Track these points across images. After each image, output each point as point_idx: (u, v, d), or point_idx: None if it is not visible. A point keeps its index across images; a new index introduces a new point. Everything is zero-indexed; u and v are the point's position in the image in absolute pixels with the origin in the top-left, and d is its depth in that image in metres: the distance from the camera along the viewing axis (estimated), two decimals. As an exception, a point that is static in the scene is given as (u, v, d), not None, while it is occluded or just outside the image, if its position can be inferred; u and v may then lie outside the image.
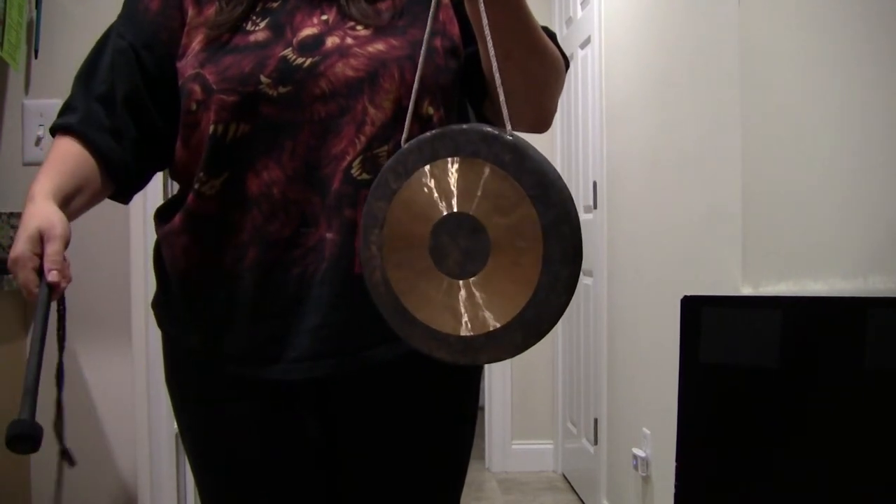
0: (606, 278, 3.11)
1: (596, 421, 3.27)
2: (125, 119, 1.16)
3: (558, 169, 3.98)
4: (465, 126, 0.96)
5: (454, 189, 0.95)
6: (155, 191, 2.23)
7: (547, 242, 0.91)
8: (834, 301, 1.44)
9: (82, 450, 2.05)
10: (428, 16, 1.15)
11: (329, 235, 1.10)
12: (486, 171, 0.93)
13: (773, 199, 1.71)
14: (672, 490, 1.38)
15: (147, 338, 2.12)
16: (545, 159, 0.93)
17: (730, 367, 1.35)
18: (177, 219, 1.15)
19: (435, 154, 0.96)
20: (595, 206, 3.26)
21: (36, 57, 2.01)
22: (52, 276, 1.01)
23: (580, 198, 3.56)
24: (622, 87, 2.89)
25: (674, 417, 1.37)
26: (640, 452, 2.58)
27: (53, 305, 1.04)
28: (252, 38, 1.12)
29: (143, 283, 2.09)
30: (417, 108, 1.10)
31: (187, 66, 1.13)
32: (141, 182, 1.24)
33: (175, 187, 2.33)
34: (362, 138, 1.09)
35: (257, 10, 1.15)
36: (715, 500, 1.37)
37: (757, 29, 1.74)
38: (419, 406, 1.18)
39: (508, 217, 0.92)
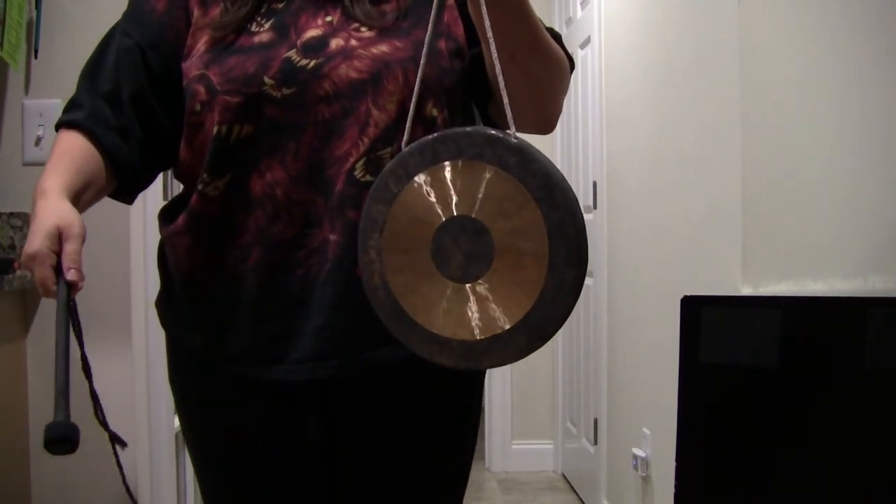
0: (606, 278, 3.11)
1: (596, 421, 3.27)
2: (131, 118, 1.16)
3: (559, 169, 3.94)
4: (468, 129, 0.95)
5: (457, 192, 0.94)
6: (155, 191, 2.23)
7: (552, 245, 0.90)
8: (834, 301, 1.44)
9: (82, 449, 2.05)
10: (434, 17, 1.15)
11: (332, 237, 1.10)
12: (490, 173, 0.92)
13: (773, 199, 1.71)
14: (672, 490, 1.38)
15: (147, 338, 2.12)
16: (549, 161, 0.92)
17: (730, 367, 1.35)
18: (180, 219, 1.16)
19: (437, 157, 0.95)
20: (595, 206, 3.26)
21: (36, 57, 2.01)
22: (71, 275, 0.99)
23: (580, 198, 3.56)
24: (622, 87, 2.89)
25: (674, 417, 1.37)
26: (640, 452, 2.58)
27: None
28: (256, 39, 1.12)
29: (143, 282, 2.09)
30: (421, 110, 1.10)
31: (192, 66, 1.13)
32: (146, 181, 1.24)
33: (176, 188, 2.33)
34: (366, 140, 1.09)
35: (262, 10, 1.15)
36: (715, 500, 1.37)
37: (757, 29, 1.73)
38: (421, 408, 1.18)
39: (513, 220, 0.92)
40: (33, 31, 2.01)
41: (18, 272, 1.85)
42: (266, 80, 1.09)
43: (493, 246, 0.93)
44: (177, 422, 2.26)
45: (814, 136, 1.69)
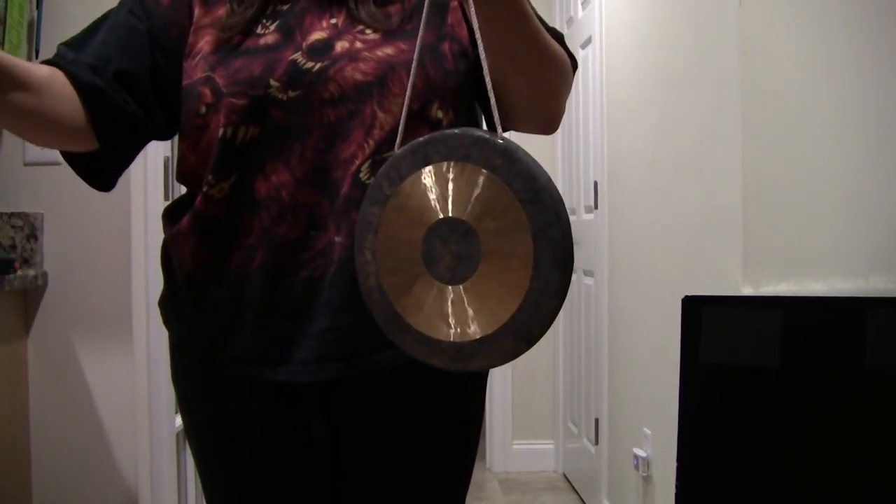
0: (606, 278, 3.11)
1: (597, 421, 3.27)
2: (114, 87, 1.11)
3: (559, 169, 3.95)
4: (456, 130, 0.96)
5: (446, 194, 0.94)
6: (156, 191, 2.23)
7: (537, 246, 0.90)
8: (834, 301, 1.44)
9: (82, 449, 2.05)
10: (438, 20, 1.15)
11: (338, 239, 1.10)
12: (477, 175, 0.92)
13: (773, 199, 1.71)
14: (673, 490, 1.38)
15: (147, 337, 2.12)
16: (535, 162, 0.92)
17: (730, 367, 1.35)
18: (185, 220, 1.15)
19: (427, 159, 0.95)
20: (595, 206, 3.26)
21: (36, 57, 2.01)
22: None
23: (581, 198, 3.56)
24: (623, 87, 2.89)
25: (674, 417, 1.37)
26: (640, 452, 2.58)
27: None
28: (262, 40, 1.12)
29: (144, 282, 2.09)
30: (426, 112, 1.10)
31: (196, 67, 1.12)
32: (123, 155, 1.17)
33: (177, 188, 2.33)
34: (371, 142, 1.09)
35: (267, 12, 1.15)
36: (715, 500, 1.37)
37: (757, 29, 1.73)
38: (424, 410, 1.18)
39: (499, 221, 0.92)
40: (34, 31, 2.01)
41: (19, 272, 1.85)
42: (272, 82, 1.09)
43: (481, 248, 0.93)
44: (177, 421, 2.27)
45: (814, 137, 1.69)
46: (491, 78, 1.10)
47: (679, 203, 2.24)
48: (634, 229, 2.74)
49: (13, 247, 2.01)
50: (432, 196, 0.95)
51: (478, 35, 0.95)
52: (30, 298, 2.01)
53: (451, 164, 0.94)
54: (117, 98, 1.11)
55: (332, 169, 1.10)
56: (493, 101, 0.95)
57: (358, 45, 1.11)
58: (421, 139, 0.97)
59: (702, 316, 1.35)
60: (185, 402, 1.25)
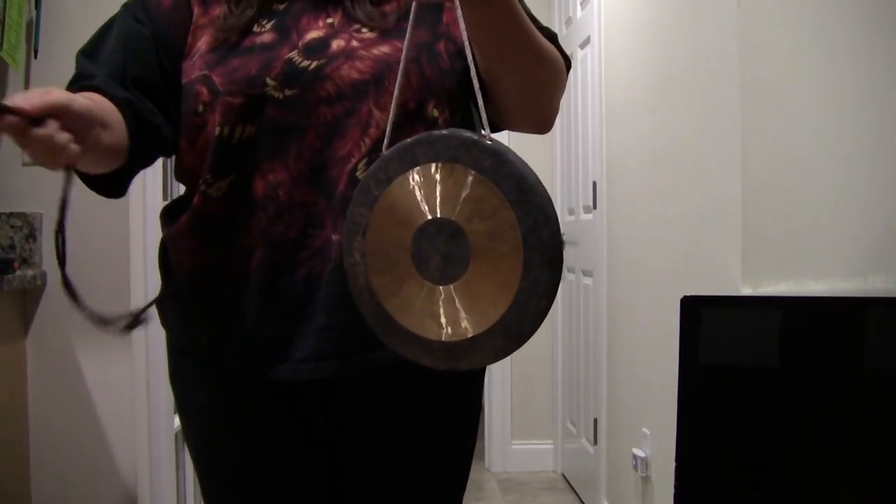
0: (605, 278, 3.11)
1: (596, 421, 3.27)
2: (139, 95, 1.11)
3: (558, 169, 3.95)
4: (444, 131, 0.96)
5: (434, 195, 0.95)
6: (154, 191, 2.23)
7: (527, 247, 0.91)
8: (834, 301, 1.44)
9: (81, 449, 2.05)
10: (433, 19, 1.15)
11: (335, 237, 1.10)
12: (466, 176, 0.93)
13: (773, 198, 1.72)
14: (672, 490, 1.38)
15: (147, 338, 2.12)
16: (524, 164, 0.93)
17: (730, 367, 1.35)
18: (183, 219, 1.15)
19: (415, 160, 0.96)
20: (595, 206, 3.26)
21: (36, 57, 2.01)
22: (12, 101, 0.85)
23: (579, 198, 3.56)
24: (622, 87, 2.89)
25: (674, 417, 1.38)
26: (639, 452, 2.58)
27: None
28: (259, 39, 1.12)
29: (143, 282, 2.09)
30: (423, 111, 1.11)
31: (194, 66, 1.13)
32: (142, 165, 1.17)
33: (176, 187, 2.33)
34: (367, 141, 1.10)
35: (263, 11, 1.15)
36: (715, 500, 1.37)
37: (757, 29, 1.74)
38: (422, 408, 1.19)
39: (488, 222, 0.92)
40: (33, 31, 2.01)
41: (18, 272, 1.85)
42: (268, 81, 1.09)
43: (470, 248, 0.93)
44: (177, 421, 2.27)
45: (813, 136, 1.69)
46: (484, 78, 1.11)
47: (678, 203, 2.24)
48: (633, 229, 2.74)
49: (12, 247, 2.00)
50: (420, 197, 0.96)
51: (464, 35, 0.96)
52: (29, 298, 2.01)
53: (440, 165, 0.95)
54: (146, 110, 1.11)
55: (329, 167, 1.10)
56: (480, 100, 0.95)
57: (354, 43, 1.12)
58: (409, 140, 0.97)
59: (701, 316, 1.35)
60: (184, 403, 1.25)
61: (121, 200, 1.22)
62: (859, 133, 1.68)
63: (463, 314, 0.94)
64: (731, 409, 1.35)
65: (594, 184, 3.27)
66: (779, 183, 1.71)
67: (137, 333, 2.08)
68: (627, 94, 2.81)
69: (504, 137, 1.16)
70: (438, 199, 0.95)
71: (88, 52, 1.15)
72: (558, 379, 4.00)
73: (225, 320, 1.15)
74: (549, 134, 1.24)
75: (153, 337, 2.13)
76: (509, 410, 4.10)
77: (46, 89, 0.88)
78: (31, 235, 2.00)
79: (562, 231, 0.94)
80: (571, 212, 3.74)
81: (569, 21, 3.82)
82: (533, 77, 1.13)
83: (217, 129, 1.10)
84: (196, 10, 1.16)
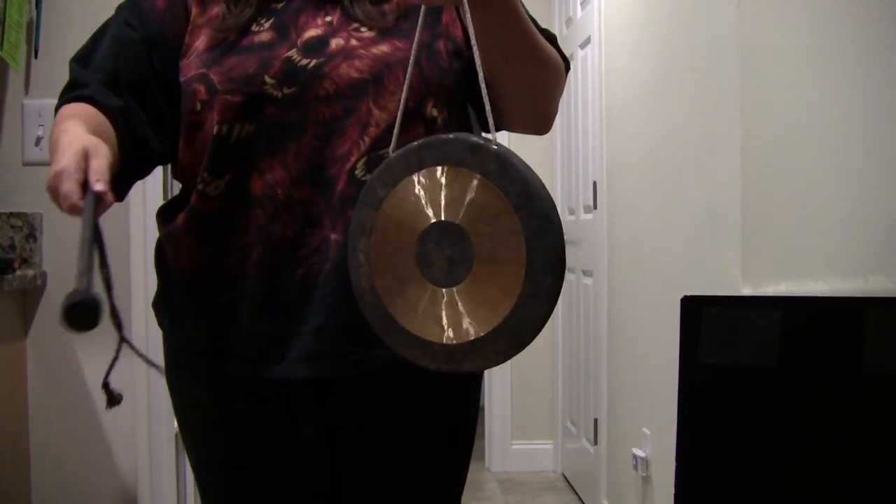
0: (606, 278, 3.11)
1: (596, 421, 3.27)
2: (129, 102, 1.12)
3: (558, 169, 3.94)
4: (451, 135, 0.97)
5: (440, 198, 0.95)
6: (154, 191, 2.23)
7: (530, 252, 0.91)
8: (833, 301, 1.44)
9: (82, 450, 2.05)
10: (433, 18, 1.15)
11: (333, 236, 1.10)
12: (472, 180, 0.93)
13: (773, 199, 1.71)
14: (672, 490, 1.38)
15: (147, 338, 2.12)
16: (529, 169, 0.93)
17: (730, 367, 1.35)
18: (180, 219, 1.15)
19: (421, 163, 0.96)
20: (595, 206, 3.26)
21: (36, 57, 2.01)
22: (98, 186, 0.92)
23: (580, 198, 3.56)
24: (622, 87, 2.89)
25: (674, 417, 1.37)
26: (639, 452, 2.58)
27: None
28: (257, 38, 1.12)
29: (143, 282, 2.09)
30: (421, 110, 1.11)
31: (191, 65, 1.13)
32: (143, 172, 1.19)
33: (175, 187, 2.32)
34: (366, 139, 1.09)
35: (262, 10, 1.15)
36: (715, 500, 1.37)
37: (757, 29, 1.74)
38: (420, 407, 1.18)
39: (492, 226, 0.93)
40: (33, 31, 2.01)
41: (18, 272, 1.85)
42: (267, 79, 1.09)
43: (474, 252, 0.94)
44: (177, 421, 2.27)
45: (813, 137, 1.69)
46: (486, 80, 1.11)
47: (678, 203, 2.24)
48: (633, 229, 2.74)
49: (12, 247, 2.00)
50: (426, 200, 0.96)
51: (473, 40, 0.95)
52: (29, 298, 2.00)
53: (445, 168, 0.95)
54: (137, 121, 1.11)
55: (328, 166, 1.10)
56: (487, 106, 0.95)
57: (353, 42, 1.12)
58: (415, 143, 0.97)
59: (701, 316, 1.35)
60: (181, 403, 1.25)
61: (120, 201, 1.22)
62: (859, 133, 1.68)
63: (465, 317, 0.95)
64: (731, 409, 1.35)
65: (594, 184, 3.27)
66: (779, 183, 1.71)
67: (137, 333, 2.08)
68: (627, 94, 2.81)
69: (504, 137, 1.16)
70: (443, 203, 0.95)
71: (82, 59, 1.16)
72: (558, 379, 4.00)
73: (222, 319, 1.15)
74: (549, 134, 1.24)
75: (153, 337, 2.12)
76: (509, 410, 4.10)
77: (97, 160, 0.93)
78: (31, 235, 2.00)
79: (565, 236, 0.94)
80: (572, 212, 3.74)
81: (569, 21, 3.82)
82: (534, 79, 1.13)
83: (215, 128, 1.10)
84: (194, 10, 1.16)
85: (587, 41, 3.40)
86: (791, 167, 1.70)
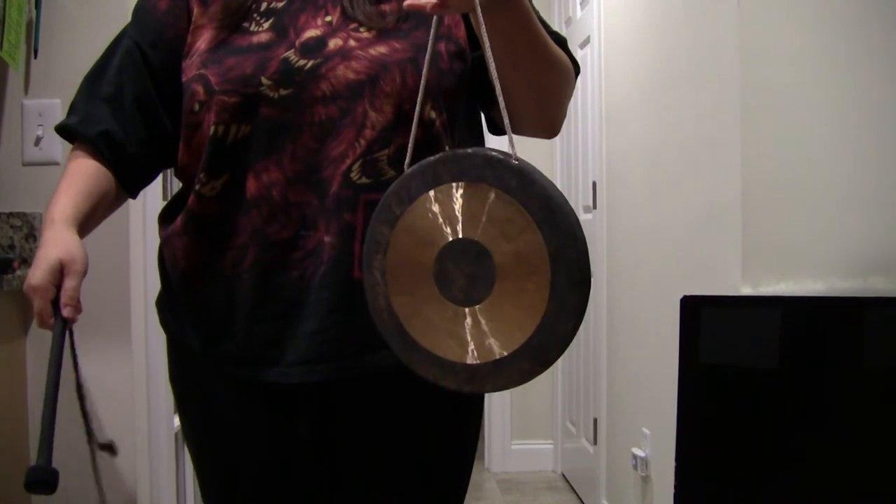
0: (606, 278, 3.11)
1: (595, 421, 3.27)
2: (134, 119, 1.17)
3: (557, 169, 3.94)
4: (469, 150, 0.94)
5: (459, 214, 0.93)
6: (154, 191, 2.23)
7: (554, 268, 0.89)
8: (833, 301, 1.44)
9: (81, 449, 2.05)
10: (434, 18, 1.15)
11: (327, 238, 1.09)
12: (492, 195, 0.91)
13: (772, 198, 1.71)
14: (672, 490, 1.38)
15: (147, 338, 2.12)
16: (551, 183, 0.91)
17: (729, 367, 1.35)
18: (178, 220, 1.15)
19: (438, 179, 0.94)
20: (595, 206, 3.26)
21: (35, 57, 2.01)
22: (66, 312, 1.05)
23: (579, 198, 3.56)
24: (622, 87, 2.89)
25: (673, 417, 1.38)
26: (639, 452, 2.58)
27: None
28: (255, 39, 1.12)
29: (143, 283, 2.08)
30: (420, 112, 1.10)
31: (192, 65, 1.13)
32: (149, 178, 1.25)
33: (175, 188, 2.32)
34: (362, 142, 1.09)
35: (262, 9, 1.15)
36: (715, 500, 1.37)
37: (757, 29, 1.74)
38: (420, 412, 1.17)
39: (514, 242, 0.90)
40: (33, 31, 2.00)
41: (18, 272, 1.85)
42: (264, 80, 1.09)
43: (495, 269, 0.91)
44: (177, 421, 2.26)
45: (814, 136, 1.69)
46: (500, 88, 1.10)
47: (678, 203, 2.24)
48: (633, 229, 2.74)
49: (12, 247, 2.00)
50: (444, 217, 0.94)
51: (486, 48, 0.93)
52: (29, 298, 2.00)
53: (463, 184, 0.93)
54: (127, 139, 1.17)
55: (323, 168, 1.09)
56: (506, 120, 0.93)
57: (351, 43, 1.11)
58: (432, 158, 0.95)
59: (701, 316, 1.35)
60: (182, 403, 1.25)
61: (120, 201, 1.24)
62: (859, 132, 1.68)
63: (488, 337, 0.93)
64: (731, 409, 1.35)
65: (594, 184, 3.27)
66: (779, 183, 1.71)
67: (137, 333, 2.08)
68: (627, 94, 2.81)
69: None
70: (462, 219, 0.93)
71: (91, 76, 1.21)
72: (558, 379, 4.00)
73: (218, 321, 1.15)
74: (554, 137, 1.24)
75: (153, 337, 2.12)
76: (509, 410, 4.10)
77: (70, 279, 1.05)
78: (31, 235, 2.00)
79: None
80: (571, 212, 3.74)
81: (569, 21, 3.82)
82: (543, 83, 1.12)
83: (212, 129, 1.10)
84: (196, 11, 1.16)
85: (587, 41, 3.40)
86: (791, 167, 1.70)
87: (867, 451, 1.29)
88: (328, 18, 1.13)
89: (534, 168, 0.91)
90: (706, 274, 2.00)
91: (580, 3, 3.58)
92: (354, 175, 1.09)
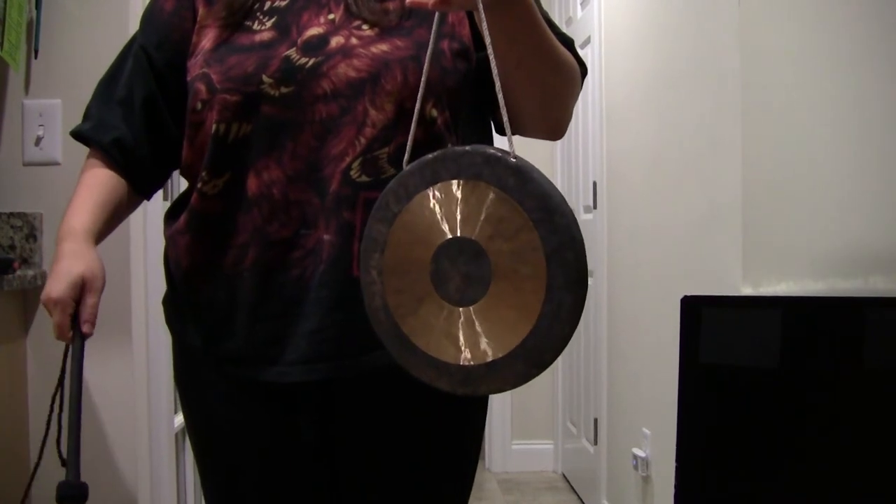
0: (606, 278, 3.11)
1: (596, 421, 3.27)
2: (142, 122, 1.19)
3: (558, 169, 3.94)
4: (467, 147, 0.93)
5: (456, 213, 0.92)
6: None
7: (550, 269, 0.87)
8: (833, 301, 1.44)
9: (82, 450, 2.05)
10: (438, 18, 1.15)
11: (327, 237, 1.09)
12: (489, 194, 0.90)
13: (773, 198, 1.71)
14: (672, 490, 1.38)
15: (147, 338, 2.12)
16: (549, 182, 0.90)
17: (730, 367, 1.35)
18: (182, 218, 1.16)
19: (436, 176, 0.93)
20: (595, 206, 3.26)
21: (36, 57, 2.01)
22: (86, 328, 1.10)
23: (580, 198, 3.56)
24: (622, 87, 2.89)
25: (674, 417, 1.37)
26: (640, 452, 2.58)
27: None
28: (258, 37, 1.12)
29: (143, 283, 2.08)
30: (421, 110, 1.10)
31: (196, 64, 1.14)
32: (161, 179, 1.28)
33: (177, 188, 2.32)
34: (362, 140, 1.09)
35: (265, 8, 1.15)
36: (715, 500, 1.37)
37: (757, 29, 1.73)
38: (420, 412, 1.17)
39: (511, 242, 0.89)
40: (33, 31, 2.00)
41: (18, 272, 1.84)
42: (265, 78, 1.09)
43: (491, 269, 0.90)
44: (177, 421, 2.26)
45: (814, 136, 1.69)
46: (500, 85, 1.09)
47: (678, 203, 2.24)
48: (634, 229, 2.74)
49: (12, 247, 2.00)
50: (441, 215, 0.93)
51: (489, 45, 0.93)
52: (29, 298, 2.00)
53: (462, 182, 0.92)
54: (137, 144, 1.20)
55: (323, 166, 1.09)
56: (505, 118, 0.92)
57: (353, 41, 1.11)
58: (430, 156, 0.94)
59: (701, 316, 1.35)
60: (185, 402, 1.25)
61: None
62: (859, 132, 1.67)
63: (482, 337, 0.92)
64: (731, 409, 1.35)
65: (594, 184, 3.27)
66: (779, 183, 1.71)
67: (138, 334, 2.08)
68: (628, 95, 2.81)
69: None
70: (460, 218, 0.92)
71: (106, 79, 1.24)
72: (558, 379, 4.00)
73: (219, 320, 1.15)
74: (560, 139, 1.23)
75: (153, 337, 2.12)
76: (509, 410, 4.10)
77: (92, 297, 1.13)
78: (32, 235, 2.00)
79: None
80: (572, 212, 3.74)
81: (569, 21, 3.82)
82: (549, 84, 1.12)
83: (213, 127, 1.10)
84: (201, 10, 1.17)
85: (587, 41, 3.40)
86: (791, 167, 1.70)
87: (867, 451, 1.29)
88: (331, 16, 1.13)
89: (532, 166, 0.90)
90: (706, 274, 2.00)
91: (580, 3, 3.58)
92: (354, 173, 1.08)
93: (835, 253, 1.67)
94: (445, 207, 0.93)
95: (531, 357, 0.90)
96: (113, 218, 1.20)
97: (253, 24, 1.14)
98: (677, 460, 1.36)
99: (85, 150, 1.25)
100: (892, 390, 1.28)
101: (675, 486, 1.36)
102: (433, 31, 0.98)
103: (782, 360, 1.32)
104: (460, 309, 0.93)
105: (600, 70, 3.16)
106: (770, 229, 1.71)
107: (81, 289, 1.10)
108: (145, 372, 2.12)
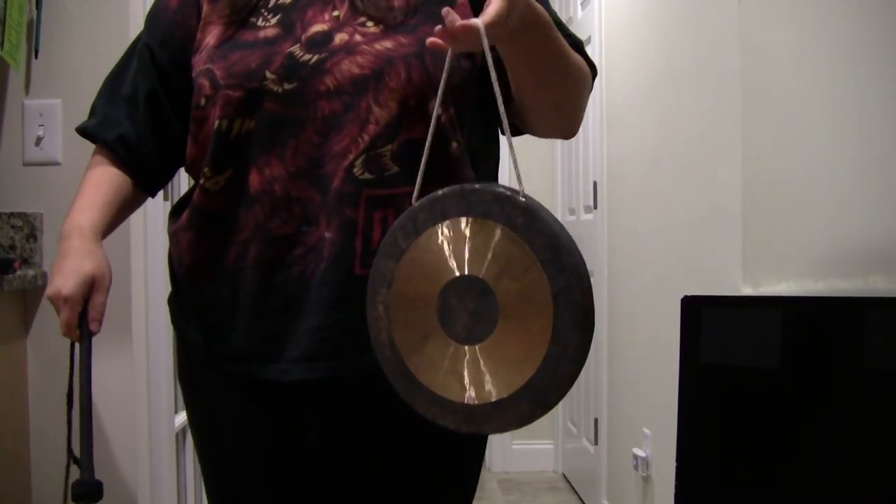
0: (606, 278, 3.10)
1: (596, 421, 3.27)
2: (147, 119, 1.20)
3: (558, 169, 3.94)
4: (477, 185, 0.93)
5: (464, 250, 0.92)
6: (155, 191, 2.22)
7: (557, 309, 0.87)
8: (833, 301, 1.44)
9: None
10: (441, 13, 1.14)
11: (328, 234, 1.09)
12: (497, 232, 0.90)
13: (773, 198, 1.71)
14: (672, 490, 1.38)
15: (147, 338, 2.12)
16: (557, 222, 0.90)
17: (730, 367, 1.35)
18: (184, 215, 1.16)
19: (445, 213, 0.93)
20: (595, 206, 3.26)
21: (36, 57, 2.01)
22: (94, 327, 1.12)
23: (580, 198, 3.56)
24: (622, 87, 2.89)
25: (674, 417, 1.37)
26: (640, 452, 2.58)
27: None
28: (262, 34, 1.13)
29: (143, 282, 2.08)
30: (423, 107, 1.09)
31: (200, 60, 1.15)
32: (166, 177, 1.28)
33: (177, 187, 2.32)
34: (365, 137, 1.09)
35: (270, 5, 1.15)
36: (715, 500, 1.37)
37: (757, 29, 1.73)
38: None
39: (518, 281, 0.89)
40: (33, 31, 2.00)
41: (18, 272, 1.84)
42: (268, 74, 1.09)
43: (498, 307, 0.90)
44: (177, 421, 2.27)
45: (814, 136, 1.69)
46: (517, 97, 1.09)
47: (679, 203, 2.24)
48: (634, 229, 2.74)
49: (12, 247, 2.00)
50: (449, 252, 0.92)
51: (490, 63, 0.92)
52: (29, 298, 2.00)
53: (470, 219, 0.91)
54: (141, 141, 1.21)
55: (325, 163, 1.09)
56: (509, 139, 0.92)
57: (357, 37, 1.11)
58: (439, 192, 0.94)
59: (701, 316, 1.35)
60: (189, 401, 1.25)
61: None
62: (859, 133, 1.67)
63: (488, 377, 0.91)
64: (731, 409, 1.35)
65: (595, 184, 3.27)
66: (779, 183, 1.71)
67: (138, 333, 2.08)
68: (628, 95, 2.81)
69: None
70: (468, 256, 0.91)
71: (112, 77, 1.25)
72: (559, 379, 4.00)
73: (221, 317, 1.15)
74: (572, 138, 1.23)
75: (154, 337, 2.12)
76: (510, 410, 4.10)
77: (100, 295, 1.14)
78: (32, 235, 2.00)
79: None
80: (572, 212, 3.74)
81: (569, 21, 3.82)
82: (561, 89, 1.12)
83: (216, 123, 1.11)
84: (206, 8, 1.17)
85: (587, 41, 3.40)
86: (791, 167, 1.70)
87: (867, 451, 1.29)
88: (335, 13, 1.13)
89: (540, 206, 0.90)
90: (707, 274, 2.00)
91: (581, 3, 3.58)
92: (357, 170, 1.08)
93: (835, 253, 1.67)
94: (454, 245, 0.92)
95: (536, 397, 0.90)
96: (118, 215, 1.21)
97: (257, 20, 1.14)
98: (677, 460, 1.36)
99: (87, 149, 1.25)
100: (892, 390, 1.28)
101: (676, 486, 1.36)
102: (447, 59, 0.96)
103: (782, 360, 1.32)
104: (466, 347, 0.92)
105: (601, 70, 3.16)
106: (770, 229, 1.71)
107: (90, 287, 1.11)
108: (145, 372, 2.12)
